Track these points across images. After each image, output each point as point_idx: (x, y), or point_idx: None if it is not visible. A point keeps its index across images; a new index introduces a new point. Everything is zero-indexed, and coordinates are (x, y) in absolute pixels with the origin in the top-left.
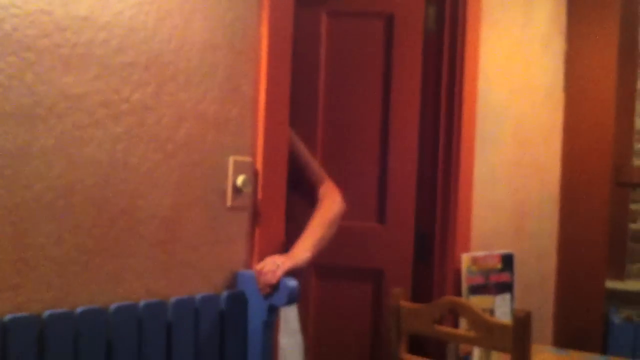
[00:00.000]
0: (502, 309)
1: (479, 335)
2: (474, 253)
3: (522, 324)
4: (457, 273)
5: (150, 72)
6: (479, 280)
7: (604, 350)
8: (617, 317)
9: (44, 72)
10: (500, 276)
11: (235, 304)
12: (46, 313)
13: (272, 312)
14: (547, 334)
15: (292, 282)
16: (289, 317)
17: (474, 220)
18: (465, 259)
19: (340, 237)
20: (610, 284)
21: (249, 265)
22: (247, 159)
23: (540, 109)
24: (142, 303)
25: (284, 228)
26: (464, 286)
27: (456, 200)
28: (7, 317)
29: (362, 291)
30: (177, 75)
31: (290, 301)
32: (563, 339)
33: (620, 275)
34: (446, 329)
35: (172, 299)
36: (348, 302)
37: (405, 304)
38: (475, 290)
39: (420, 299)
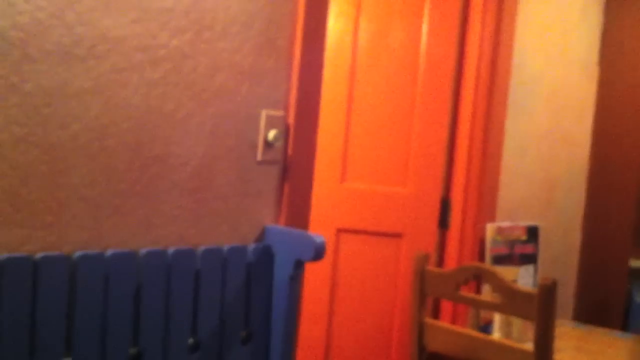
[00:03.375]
0: (524, 280)
1: (504, 302)
2: (500, 223)
3: (548, 291)
4: (480, 242)
5: (188, 19)
6: (503, 250)
7: (624, 328)
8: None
9: (84, 12)
10: (525, 247)
11: (262, 257)
12: (77, 254)
13: (299, 266)
14: (568, 309)
15: (319, 238)
16: None
17: (502, 189)
18: (490, 228)
19: (364, 200)
20: (635, 262)
21: (277, 219)
22: (280, 112)
23: (574, 81)
24: (171, 250)
25: (312, 184)
26: (488, 255)
27: (483, 168)
28: (39, 255)
29: (383, 255)
30: (215, 24)
31: (317, 256)
32: (584, 314)
33: None
34: (471, 294)
35: (201, 248)
36: (369, 266)
37: (430, 268)
38: (499, 260)
39: (440, 266)
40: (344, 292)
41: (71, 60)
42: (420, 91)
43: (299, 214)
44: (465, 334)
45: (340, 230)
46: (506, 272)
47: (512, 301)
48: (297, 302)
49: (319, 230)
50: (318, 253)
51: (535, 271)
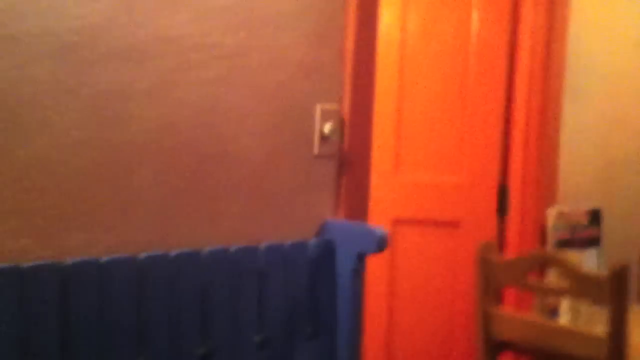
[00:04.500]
0: (588, 264)
1: (574, 287)
2: (560, 207)
3: (619, 276)
4: (541, 228)
5: (241, 17)
6: (565, 235)
7: None
8: None
9: (139, 14)
10: (587, 231)
11: (324, 251)
12: (142, 255)
13: (361, 259)
14: (632, 293)
15: (381, 230)
16: None
17: (561, 174)
18: (551, 213)
19: (420, 190)
20: None
21: (336, 213)
22: (334, 106)
23: (631, 62)
24: (234, 247)
25: (370, 177)
26: (550, 241)
27: (540, 153)
28: (105, 258)
29: (441, 245)
30: (267, 20)
31: (379, 248)
32: None
33: None
34: (539, 281)
35: (263, 244)
36: (427, 256)
37: (494, 256)
38: (562, 245)
39: (500, 254)
40: (403, 283)
41: (127, 62)
42: (473, 78)
43: (358, 207)
44: (534, 321)
45: (396, 221)
46: (570, 257)
47: (583, 286)
48: (361, 296)
49: (375, 221)
50: (380, 245)
51: (600, 255)
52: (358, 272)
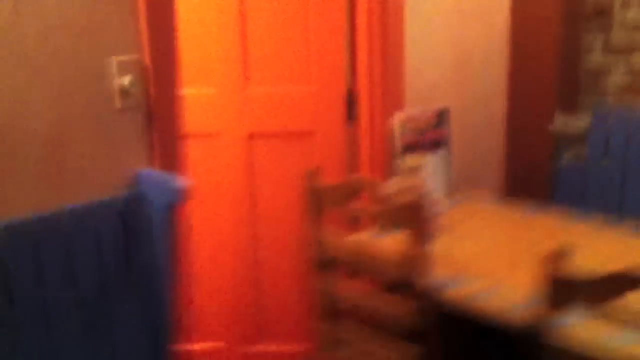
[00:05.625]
0: (433, 164)
1: (383, 212)
2: (408, 111)
3: (417, 204)
4: (390, 132)
5: None
6: (412, 138)
7: (552, 194)
8: (565, 159)
9: None
10: (435, 132)
11: (134, 204)
12: None
13: (171, 210)
14: (497, 181)
15: (182, 180)
16: None
17: (408, 75)
18: (398, 117)
19: (273, 102)
20: (561, 125)
21: (149, 164)
22: (132, 57)
23: None
24: (35, 217)
25: (182, 123)
26: (397, 146)
27: (385, 55)
28: None
29: (297, 155)
30: None
31: (178, 199)
32: (512, 185)
33: (572, 112)
34: (355, 206)
35: (67, 208)
36: (285, 167)
37: (318, 183)
38: (407, 150)
39: (353, 161)
40: (263, 197)
41: None
42: None
43: (171, 157)
44: (353, 241)
45: (251, 136)
46: (416, 161)
47: (390, 211)
48: (175, 244)
49: (229, 138)
50: (179, 196)
51: (445, 156)
52: (168, 222)
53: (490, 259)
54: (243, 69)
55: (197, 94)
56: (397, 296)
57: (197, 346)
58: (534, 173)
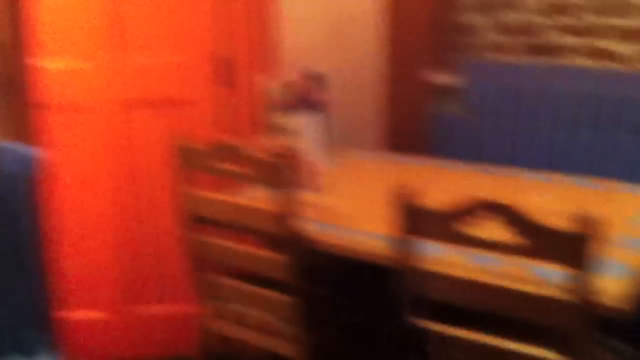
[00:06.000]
0: (312, 126)
1: (252, 173)
2: (285, 74)
3: (276, 163)
4: (267, 96)
5: None
6: (290, 101)
7: (434, 148)
8: (444, 114)
9: None
10: (314, 94)
11: None
12: None
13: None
14: (378, 139)
15: (30, 150)
16: None
17: (284, 39)
18: (274, 81)
19: (150, 71)
20: (438, 81)
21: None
22: None
23: None
24: None
25: (39, 95)
26: (274, 109)
27: (261, 20)
28: None
29: (177, 123)
30: None
31: (27, 169)
32: (392, 141)
33: (448, 68)
34: (225, 166)
35: None
36: (158, 135)
37: (189, 144)
38: (287, 111)
39: (234, 128)
40: (142, 167)
41: None
42: None
43: (24, 128)
44: (223, 199)
45: (128, 105)
46: (291, 123)
47: (256, 170)
48: (36, 215)
49: (106, 110)
50: (26, 165)
51: (328, 115)
52: (28, 194)
53: (363, 211)
54: (113, 39)
55: (68, 66)
56: (270, 249)
57: (80, 314)
58: (413, 128)
